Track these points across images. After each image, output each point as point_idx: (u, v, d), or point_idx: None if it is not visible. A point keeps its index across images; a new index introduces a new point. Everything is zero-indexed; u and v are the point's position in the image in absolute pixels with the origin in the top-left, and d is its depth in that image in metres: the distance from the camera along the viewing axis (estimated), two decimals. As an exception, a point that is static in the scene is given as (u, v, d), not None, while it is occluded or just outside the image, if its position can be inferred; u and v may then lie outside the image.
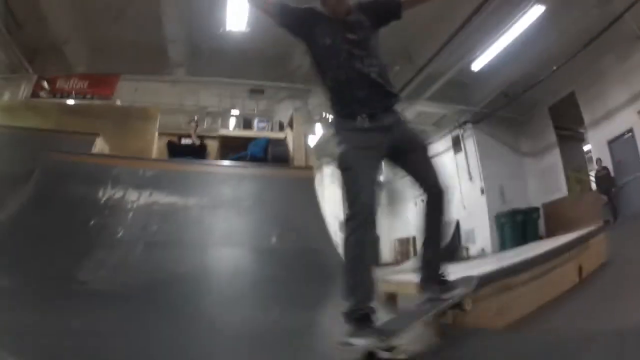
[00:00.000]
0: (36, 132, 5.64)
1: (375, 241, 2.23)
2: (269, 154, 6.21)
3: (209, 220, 4.34)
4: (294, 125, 6.97)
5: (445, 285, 2.14)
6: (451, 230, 3.31)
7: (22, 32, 9.82)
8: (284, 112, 10.84)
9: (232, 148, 6.58)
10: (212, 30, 9.60)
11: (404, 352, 1.80)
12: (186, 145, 6.44)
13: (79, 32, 10.31)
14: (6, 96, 10.55)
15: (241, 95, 11.63)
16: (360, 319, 1.77)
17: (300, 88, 11.19)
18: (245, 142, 6.69)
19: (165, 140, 6.54)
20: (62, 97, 10.50)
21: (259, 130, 9.67)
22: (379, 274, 2.21)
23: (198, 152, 6.36)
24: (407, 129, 2.23)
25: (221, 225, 4.32)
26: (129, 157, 5.25)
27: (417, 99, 10.91)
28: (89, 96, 10.51)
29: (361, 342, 1.66)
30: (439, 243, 2.18)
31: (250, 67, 10.57)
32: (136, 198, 4.32)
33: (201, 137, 6.76)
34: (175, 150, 6.31)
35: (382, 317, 1.95)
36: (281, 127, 9.11)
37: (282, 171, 5.61)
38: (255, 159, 6.13)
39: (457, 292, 2.08)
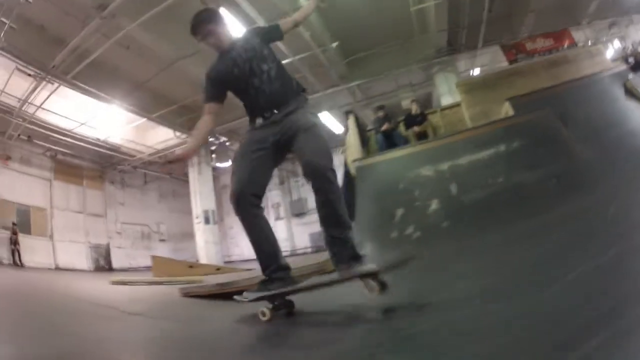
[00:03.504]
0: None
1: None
2: None
3: None
4: None
5: (358, 260, 2.11)
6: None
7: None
8: None
9: None
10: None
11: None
12: None
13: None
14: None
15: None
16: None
17: None
18: None
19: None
20: (532, 56, 11.86)
21: None
22: None
23: None
24: (293, 118, 2.34)
25: None
26: None
27: None
28: (561, 49, 11.90)
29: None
30: (336, 221, 2.18)
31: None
32: None
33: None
34: None
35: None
36: None
37: None
38: None
39: (369, 267, 2.05)
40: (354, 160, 7.31)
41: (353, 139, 8.15)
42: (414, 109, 9.19)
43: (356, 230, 5.46)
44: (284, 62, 9.95)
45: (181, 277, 7.24)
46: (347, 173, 8.20)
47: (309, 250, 18.27)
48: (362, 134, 8.30)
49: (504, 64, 12.38)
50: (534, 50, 12.06)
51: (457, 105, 8.28)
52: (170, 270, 8.33)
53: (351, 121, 8.48)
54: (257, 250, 2.27)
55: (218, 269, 8.56)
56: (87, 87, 10.74)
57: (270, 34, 2.61)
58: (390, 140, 8.19)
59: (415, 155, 6.30)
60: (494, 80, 8.21)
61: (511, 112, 6.54)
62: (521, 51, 12.29)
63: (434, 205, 5.18)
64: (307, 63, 11.28)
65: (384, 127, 8.51)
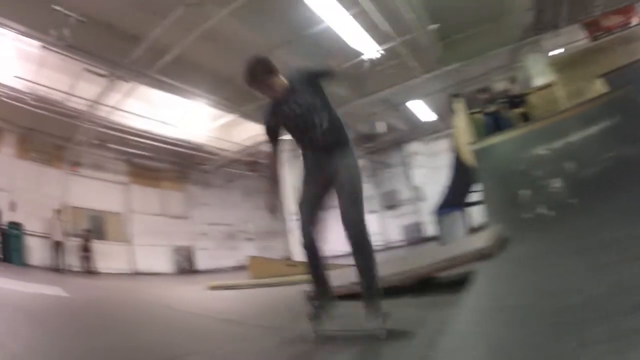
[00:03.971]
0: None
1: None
2: None
3: None
4: None
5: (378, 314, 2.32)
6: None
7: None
8: None
9: None
10: None
11: None
12: None
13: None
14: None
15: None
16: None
17: None
18: None
19: None
20: (607, 34, 11.65)
21: None
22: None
23: None
24: (342, 170, 2.55)
25: None
26: None
27: None
28: (631, 25, 11.64)
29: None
30: (366, 275, 2.42)
31: None
32: None
33: None
34: None
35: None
36: None
37: None
38: None
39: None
40: (469, 144, 7.25)
41: (463, 122, 8.12)
42: (514, 90, 9.04)
43: (486, 212, 5.98)
44: (384, 46, 8.81)
45: (283, 277, 6.57)
46: (457, 157, 7.82)
47: (403, 243, 17.46)
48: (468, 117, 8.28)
49: (579, 43, 12.23)
50: (609, 27, 11.96)
51: (551, 84, 8.48)
52: (270, 270, 7.72)
53: (460, 104, 8.42)
54: (314, 279, 2.59)
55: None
56: (171, 83, 10.40)
57: (320, 76, 2.65)
58: (497, 123, 7.97)
59: (527, 136, 6.34)
60: (581, 58, 8.57)
61: (604, 89, 6.64)
62: (598, 29, 12.42)
63: (558, 182, 5.30)
64: (406, 46, 10.77)
65: (491, 109, 8.26)
